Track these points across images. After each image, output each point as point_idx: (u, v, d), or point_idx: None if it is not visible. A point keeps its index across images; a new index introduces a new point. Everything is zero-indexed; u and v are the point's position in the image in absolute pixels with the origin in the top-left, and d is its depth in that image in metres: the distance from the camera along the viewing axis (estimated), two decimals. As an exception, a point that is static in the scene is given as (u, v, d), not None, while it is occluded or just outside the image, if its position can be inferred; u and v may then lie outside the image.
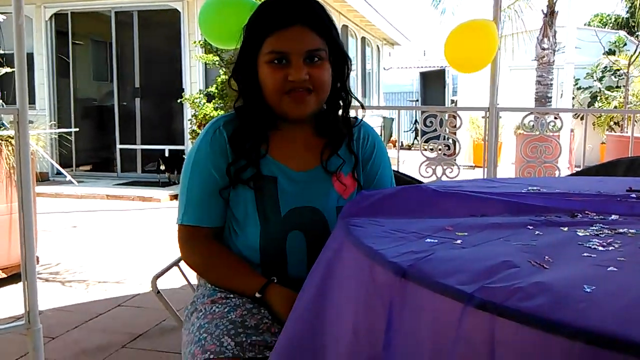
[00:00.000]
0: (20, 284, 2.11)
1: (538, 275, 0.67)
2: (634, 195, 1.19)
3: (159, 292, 1.52)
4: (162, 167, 8.04)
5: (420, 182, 1.94)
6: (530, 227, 0.95)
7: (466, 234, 0.90)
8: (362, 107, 1.46)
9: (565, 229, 0.96)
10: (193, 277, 1.51)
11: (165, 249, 4.42)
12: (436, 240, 0.86)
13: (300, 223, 1.31)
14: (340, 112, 1.39)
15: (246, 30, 1.32)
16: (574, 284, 0.64)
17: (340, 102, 1.38)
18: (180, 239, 1.35)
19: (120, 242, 5.07)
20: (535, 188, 1.30)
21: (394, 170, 1.54)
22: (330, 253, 0.95)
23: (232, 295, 1.29)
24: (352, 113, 1.45)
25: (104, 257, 4.50)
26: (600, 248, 0.83)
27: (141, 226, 5.83)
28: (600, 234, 0.92)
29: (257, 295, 1.25)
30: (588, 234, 0.92)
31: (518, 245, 0.83)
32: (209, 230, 1.33)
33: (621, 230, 0.93)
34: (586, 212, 1.09)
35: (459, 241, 0.86)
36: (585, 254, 0.80)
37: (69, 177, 4.59)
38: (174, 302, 1.60)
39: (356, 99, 1.42)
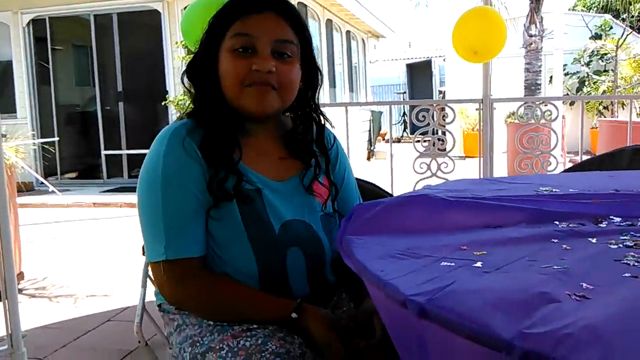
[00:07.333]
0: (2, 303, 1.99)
1: (582, 312, 0.57)
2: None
3: (147, 344, 1.32)
4: None
5: (385, 192, 1.67)
6: (555, 240, 0.85)
7: (485, 253, 0.80)
8: (330, 124, 1.34)
9: (594, 240, 0.86)
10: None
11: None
12: (453, 264, 0.75)
13: (296, 238, 1.16)
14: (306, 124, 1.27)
15: (212, 20, 1.19)
16: (625, 327, 0.53)
17: (307, 112, 1.26)
18: (166, 279, 1.10)
19: (108, 252, 4.92)
20: (547, 188, 1.21)
21: (357, 179, 1.42)
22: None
23: (254, 326, 1.08)
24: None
25: (91, 269, 4.36)
26: (641, 265, 0.73)
27: (129, 234, 5.68)
28: (634, 246, 0.82)
29: (294, 315, 1.06)
30: (621, 245, 0.82)
31: (548, 268, 0.72)
32: (200, 261, 1.11)
33: (656, 239, 0.83)
34: (610, 217, 0.99)
35: (479, 263, 0.75)
36: (626, 275, 0.70)
37: (51, 188, 4.45)
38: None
39: (324, 115, 1.30)
